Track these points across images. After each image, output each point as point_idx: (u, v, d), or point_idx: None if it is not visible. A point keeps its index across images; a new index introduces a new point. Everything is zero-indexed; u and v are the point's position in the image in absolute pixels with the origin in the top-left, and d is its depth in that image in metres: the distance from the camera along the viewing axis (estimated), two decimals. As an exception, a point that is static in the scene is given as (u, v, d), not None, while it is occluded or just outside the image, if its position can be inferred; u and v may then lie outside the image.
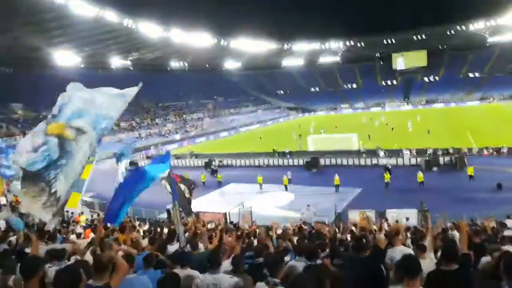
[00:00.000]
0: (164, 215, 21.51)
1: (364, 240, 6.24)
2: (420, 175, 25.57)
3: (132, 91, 6.21)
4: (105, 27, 65.99)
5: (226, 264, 5.02)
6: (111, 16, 64.10)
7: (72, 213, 16.76)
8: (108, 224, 12.37)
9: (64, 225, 15.17)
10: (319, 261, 5.35)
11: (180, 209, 8.90)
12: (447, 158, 31.64)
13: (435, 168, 30.38)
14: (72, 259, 5.45)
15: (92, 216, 18.68)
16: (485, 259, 5.48)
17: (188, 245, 6.92)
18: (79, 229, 12.35)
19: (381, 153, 34.68)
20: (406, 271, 3.26)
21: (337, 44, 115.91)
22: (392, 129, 54.04)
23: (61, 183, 4.79)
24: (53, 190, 4.74)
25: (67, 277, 2.95)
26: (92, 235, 10.34)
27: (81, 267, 3.37)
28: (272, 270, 3.94)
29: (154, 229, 14.78)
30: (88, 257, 5.46)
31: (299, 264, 5.21)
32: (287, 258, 6.08)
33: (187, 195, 9.78)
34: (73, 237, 9.92)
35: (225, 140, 65.62)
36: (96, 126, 5.32)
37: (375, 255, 4.96)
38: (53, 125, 5.11)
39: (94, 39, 70.61)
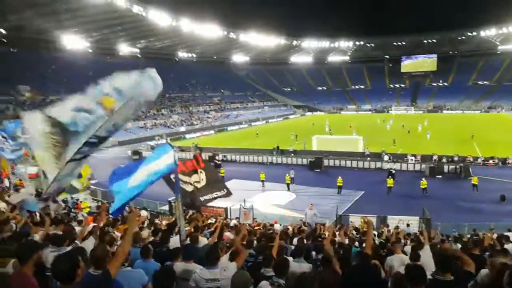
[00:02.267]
0: (165, 207, 21.56)
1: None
2: (424, 182, 25.43)
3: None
4: (115, 12, 65.77)
5: (225, 259, 4.99)
6: (121, 1, 63.80)
7: (77, 199, 16.82)
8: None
9: (65, 211, 15.24)
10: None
11: (184, 206, 8.82)
12: (451, 166, 31.44)
13: (439, 176, 30.23)
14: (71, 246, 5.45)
15: (98, 202, 18.72)
16: (484, 271, 5.42)
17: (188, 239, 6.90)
18: (80, 216, 12.34)
19: (386, 157, 34.53)
20: (411, 280, 3.23)
21: (346, 44, 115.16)
22: (409, 131, 54.06)
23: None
24: (72, 158, 4.73)
25: (65, 262, 2.97)
26: (92, 224, 10.38)
27: (80, 254, 3.38)
28: (278, 271, 3.96)
29: (154, 220, 14.88)
30: (88, 244, 5.44)
31: (298, 265, 5.20)
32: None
33: (196, 185, 9.49)
34: (74, 224, 9.90)
35: (230, 134, 65.62)
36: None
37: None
38: (107, 99, 5.08)
39: (103, 24, 70.48)
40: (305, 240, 9.91)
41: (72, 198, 17.49)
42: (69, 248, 5.09)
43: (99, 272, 3.38)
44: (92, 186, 24.52)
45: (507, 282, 3.19)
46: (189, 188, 9.37)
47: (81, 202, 17.40)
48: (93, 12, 63.47)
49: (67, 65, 70.25)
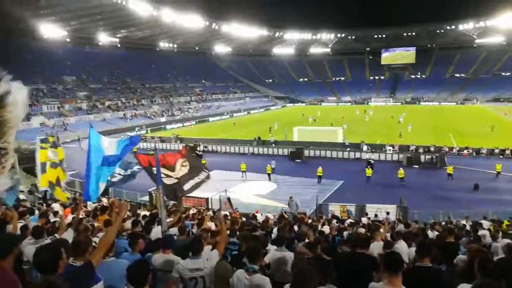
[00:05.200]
0: (146, 198, 21.46)
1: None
2: (401, 171, 26.06)
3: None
4: (94, 1, 64.13)
5: (207, 250, 5.07)
6: (100, -10, 62.28)
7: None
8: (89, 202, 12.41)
9: (41, 201, 14.97)
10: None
11: (165, 197, 8.87)
12: (428, 156, 32.25)
13: (416, 166, 31.00)
14: (49, 238, 5.42)
15: (74, 194, 18.42)
16: (461, 257, 5.69)
17: (169, 230, 7.00)
18: (57, 207, 12.15)
19: (365, 148, 35.13)
20: (388, 267, 3.31)
21: (328, 36, 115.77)
22: (399, 122, 54.80)
23: None
24: None
25: (47, 255, 2.94)
26: (70, 215, 10.28)
27: (61, 245, 3.35)
28: (251, 257, 3.96)
29: (135, 211, 14.79)
30: (68, 235, 5.45)
31: (281, 254, 5.31)
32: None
33: (174, 178, 9.60)
34: (50, 215, 9.78)
35: (211, 125, 65.36)
36: None
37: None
38: None
39: (82, 13, 68.57)
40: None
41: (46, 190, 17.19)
42: (48, 241, 5.05)
43: (80, 263, 3.31)
44: (70, 178, 24.08)
45: (478, 269, 3.32)
46: (170, 182, 9.45)
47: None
48: (71, 1, 61.78)
49: (45, 54, 68.35)
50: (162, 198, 7.13)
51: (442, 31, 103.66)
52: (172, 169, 9.70)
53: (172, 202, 14.39)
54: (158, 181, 7.42)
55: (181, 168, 9.51)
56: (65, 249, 3.29)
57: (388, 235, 8.51)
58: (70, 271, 3.21)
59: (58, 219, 8.47)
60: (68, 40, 78.18)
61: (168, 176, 9.60)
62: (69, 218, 9.17)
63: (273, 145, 39.41)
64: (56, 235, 5.83)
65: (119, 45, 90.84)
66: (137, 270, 3.19)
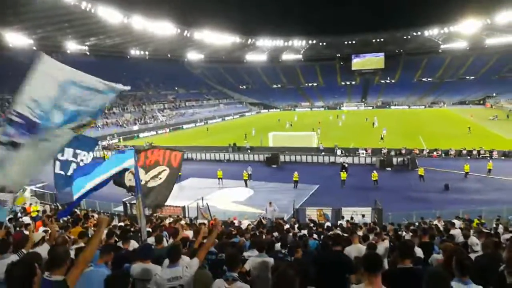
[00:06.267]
0: (120, 208, 20.92)
1: None
2: (375, 174, 26.60)
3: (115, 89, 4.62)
4: (61, 9, 62.53)
5: (186, 257, 4.97)
6: (68, -2, 60.81)
7: (24, 203, 15.90)
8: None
9: (11, 216, 14.36)
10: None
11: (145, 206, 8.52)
12: (400, 159, 33.10)
13: (388, 168, 31.72)
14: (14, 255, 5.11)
15: (43, 207, 17.76)
16: (436, 256, 5.82)
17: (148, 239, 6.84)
18: (27, 220, 11.67)
19: (338, 152, 35.67)
20: (368, 268, 3.31)
21: (299, 42, 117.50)
22: (373, 125, 57.07)
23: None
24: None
25: (20, 271, 2.75)
26: (42, 228, 9.91)
27: (35, 260, 3.17)
28: (230, 265, 3.92)
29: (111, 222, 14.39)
30: (42, 250, 5.17)
31: (261, 260, 5.27)
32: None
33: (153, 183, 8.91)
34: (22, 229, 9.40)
35: (186, 132, 64.73)
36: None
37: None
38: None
39: (48, 21, 66.73)
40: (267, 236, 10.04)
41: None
42: (13, 256, 4.75)
43: (55, 277, 3.12)
44: (38, 190, 23.27)
45: (456, 266, 3.40)
46: (151, 184, 8.69)
47: (30, 205, 16.50)
48: (38, 8, 60.02)
49: (10, 63, 65.94)
50: (141, 207, 6.90)
51: (409, 37, 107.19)
52: (153, 168, 8.91)
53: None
54: (136, 189, 7.05)
55: (162, 175, 8.91)
56: (39, 264, 3.12)
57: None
58: (45, 285, 3.03)
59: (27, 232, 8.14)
60: (34, 48, 75.87)
61: (152, 178, 8.85)
62: (40, 231, 8.85)
63: (249, 151, 39.43)
64: (23, 250, 5.50)
65: (88, 53, 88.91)
66: (116, 282, 3.08)
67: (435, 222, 14.35)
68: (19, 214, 14.38)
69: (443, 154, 34.92)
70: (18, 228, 9.14)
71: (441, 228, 11.60)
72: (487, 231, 10.00)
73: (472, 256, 5.00)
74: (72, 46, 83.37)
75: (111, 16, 70.70)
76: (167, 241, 8.16)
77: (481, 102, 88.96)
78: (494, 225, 13.86)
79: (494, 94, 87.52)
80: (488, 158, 31.62)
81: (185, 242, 6.79)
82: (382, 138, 42.24)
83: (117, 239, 7.11)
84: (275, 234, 10.25)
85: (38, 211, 16.28)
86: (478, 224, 14.24)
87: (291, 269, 2.88)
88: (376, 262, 3.35)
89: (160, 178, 8.59)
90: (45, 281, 3.10)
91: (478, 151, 33.84)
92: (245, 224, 14.53)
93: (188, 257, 4.66)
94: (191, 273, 4.18)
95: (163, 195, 8.55)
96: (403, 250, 4.04)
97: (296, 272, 3.09)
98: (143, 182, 8.28)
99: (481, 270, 3.36)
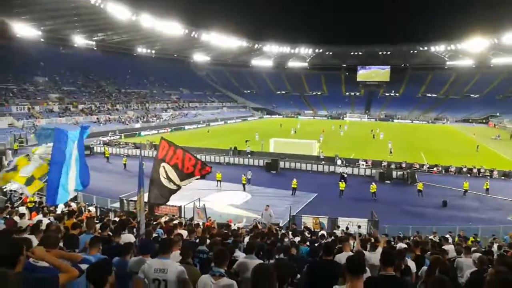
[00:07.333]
0: (116, 204, 20.93)
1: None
2: (373, 186, 26.54)
3: None
4: (70, 2, 62.94)
5: (176, 255, 4.98)
6: (78, -8, 61.28)
7: (22, 194, 15.90)
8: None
9: (8, 204, 14.40)
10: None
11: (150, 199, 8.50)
12: (399, 172, 33.03)
13: (388, 181, 31.65)
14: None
15: (40, 198, 17.79)
16: (425, 268, 5.87)
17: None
18: (23, 210, 11.69)
19: (339, 161, 35.62)
20: (351, 270, 3.33)
21: (306, 50, 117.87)
22: (373, 137, 57.59)
23: None
24: None
25: (8, 248, 2.89)
26: (37, 218, 9.98)
27: (23, 243, 3.24)
28: (217, 261, 3.94)
29: (104, 216, 14.43)
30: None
31: (250, 261, 5.27)
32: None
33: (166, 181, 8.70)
34: (16, 218, 9.45)
35: (187, 133, 64.75)
36: None
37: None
38: None
39: (57, 13, 67.09)
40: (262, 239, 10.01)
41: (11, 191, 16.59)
42: None
43: (42, 264, 3.25)
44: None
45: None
46: (165, 182, 8.47)
47: (27, 196, 16.47)
48: (47, 1, 60.41)
49: (16, 53, 66.28)
50: (142, 201, 6.95)
51: (415, 51, 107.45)
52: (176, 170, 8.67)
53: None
54: (139, 182, 7.11)
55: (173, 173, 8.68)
56: (27, 248, 3.19)
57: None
58: (29, 269, 3.14)
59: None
60: (42, 40, 76.28)
61: (167, 177, 8.63)
62: (34, 220, 8.95)
63: (249, 155, 39.40)
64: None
65: (95, 48, 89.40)
66: (96, 270, 3.16)
67: (431, 237, 14.34)
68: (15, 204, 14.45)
69: (443, 171, 34.83)
70: (9, 216, 9.20)
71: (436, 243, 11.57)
72: (475, 248, 9.98)
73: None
74: (79, 40, 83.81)
75: (120, 12, 71.07)
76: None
77: (484, 121, 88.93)
78: (489, 243, 13.84)
79: (498, 114, 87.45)
80: (488, 177, 31.54)
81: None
82: (391, 153, 41.71)
83: (110, 233, 7.15)
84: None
85: (35, 202, 16.32)
86: (474, 242, 14.21)
87: (271, 265, 2.90)
88: (359, 265, 3.38)
89: (173, 182, 8.46)
90: (30, 264, 3.22)
91: (479, 170, 33.76)
92: (239, 227, 14.52)
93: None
94: (176, 269, 4.19)
95: (166, 198, 8.63)
96: (385, 258, 4.08)
97: (274, 268, 3.12)
98: (160, 176, 8.28)
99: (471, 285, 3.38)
